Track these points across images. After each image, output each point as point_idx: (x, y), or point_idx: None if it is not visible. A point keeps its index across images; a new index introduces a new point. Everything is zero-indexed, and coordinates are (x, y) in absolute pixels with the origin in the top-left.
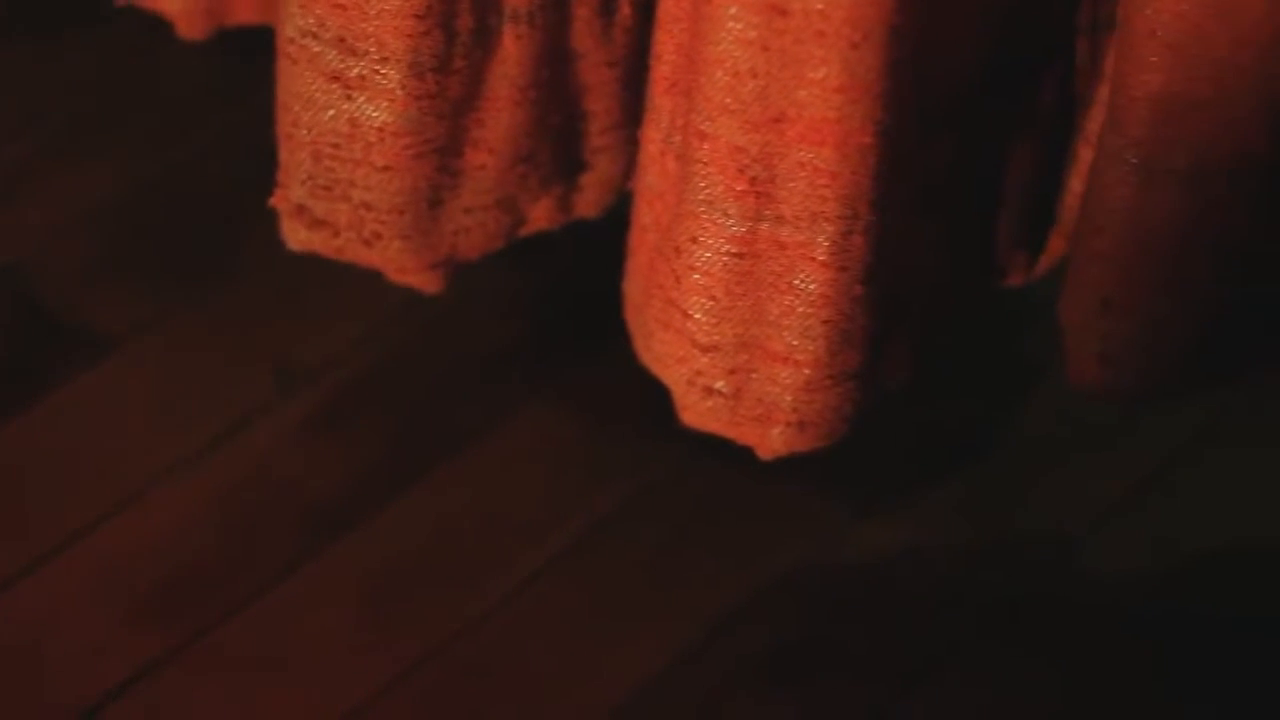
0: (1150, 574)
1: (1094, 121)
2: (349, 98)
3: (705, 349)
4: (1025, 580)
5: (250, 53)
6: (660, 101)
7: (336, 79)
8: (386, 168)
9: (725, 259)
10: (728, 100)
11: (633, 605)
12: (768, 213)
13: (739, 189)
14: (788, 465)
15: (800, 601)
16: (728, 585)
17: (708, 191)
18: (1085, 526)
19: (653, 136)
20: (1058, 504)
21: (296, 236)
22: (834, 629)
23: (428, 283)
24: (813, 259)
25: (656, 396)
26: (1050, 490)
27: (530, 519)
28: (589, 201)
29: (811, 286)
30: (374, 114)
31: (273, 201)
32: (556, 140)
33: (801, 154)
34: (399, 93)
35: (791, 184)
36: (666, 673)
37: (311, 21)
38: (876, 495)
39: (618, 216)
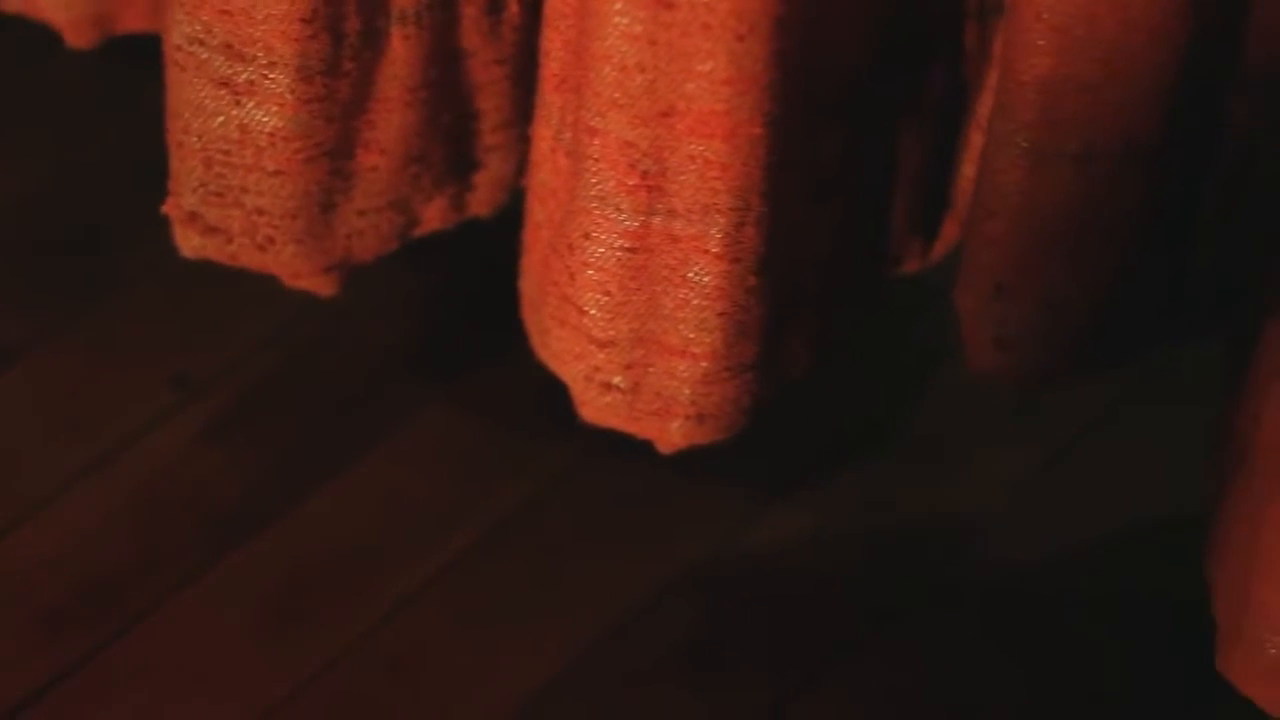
0: (1054, 555)
1: (985, 106)
2: (238, 103)
3: (602, 344)
4: (929, 564)
5: (140, 60)
6: (550, 98)
7: (225, 85)
8: (278, 172)
9: (619, 254)
10: (616, 95)
11: (539, 601)
12: (660, 206)
13: (630, 184)
14: (690, 458)
15: (706, 593)
16: (632, 579)
17: (599, 187)
18: (988, 509)
19: (544, 134)
20: (961, 488)
21: (190, 243)
22: (741, 620)
23: (323, 286)
24: (706, 251)
25: (556, 393)
26: (953, 474)
27: (433, 518)
28: (482, 200)
29: (706, 279)
30: (264, 119)
31: (165, 209)
32: (448, 140)
33: (691, 147)
34: (288, 97)
35: (682, 177)
36: (573, 667)
37: (198, 28)
38: (780, 485)
39: (512, 214)
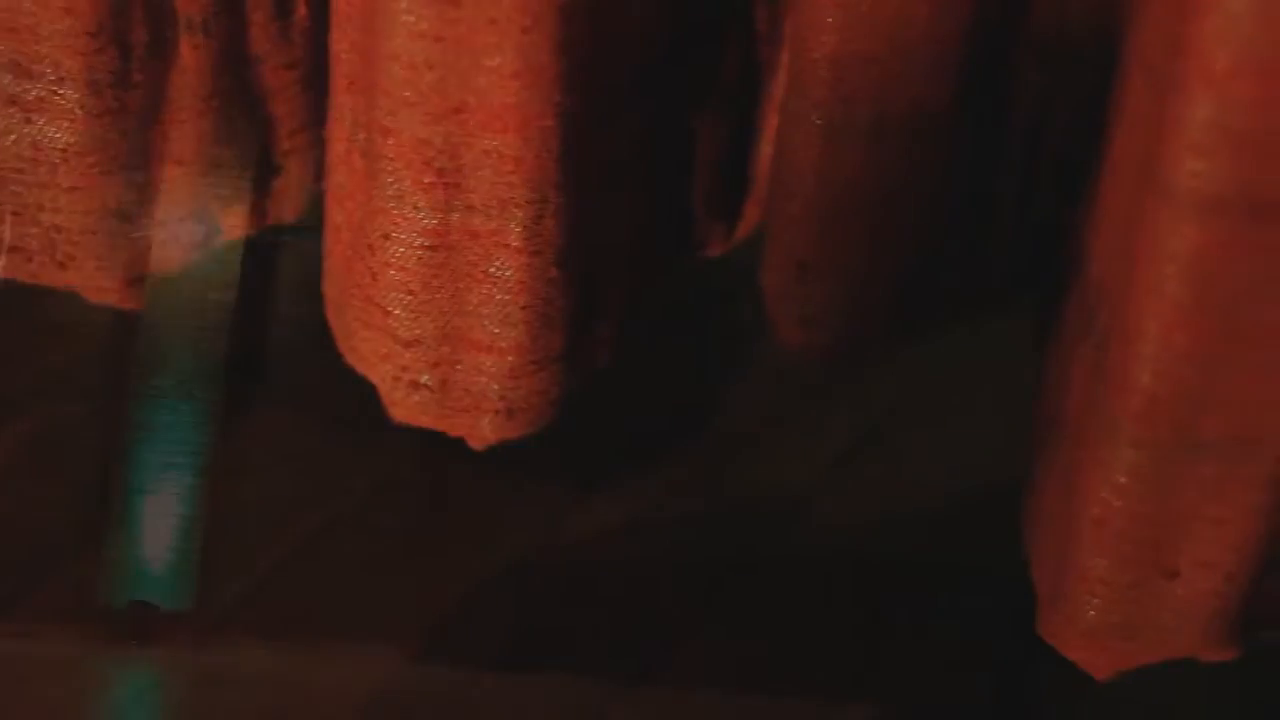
0: (878, 526)
1: (779, 87)
2: (29, 121)
3: (408, 344)
4: (755, 542)
5: None
6: (341, 100)
7: (14, 103)
8: (74, 188)
9: (420, 252)
10: (408, 94)
11: (362, 606)
12: (458, 203)
13: (427, 181)
14: (512, 452)
15: (534, 585)
16: (456, 579)
17: (396, 186)
18: (810, 483)
19: (338, 135)
20: (781, 464)
21: None
22: (575, 610)
23: (128, 300)
24: (506, 245)
25: (371, 395)
26: (772, 451)
27: (263, 522)
28: (282, 206)
29: (508, 273)
30: (56, 135)
31: None
32: (244, 147)
33: (485, 142)
34: (79, 112)
35: (479, 173)
36: (402, 670)
37: None
38: (600, 474)
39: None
